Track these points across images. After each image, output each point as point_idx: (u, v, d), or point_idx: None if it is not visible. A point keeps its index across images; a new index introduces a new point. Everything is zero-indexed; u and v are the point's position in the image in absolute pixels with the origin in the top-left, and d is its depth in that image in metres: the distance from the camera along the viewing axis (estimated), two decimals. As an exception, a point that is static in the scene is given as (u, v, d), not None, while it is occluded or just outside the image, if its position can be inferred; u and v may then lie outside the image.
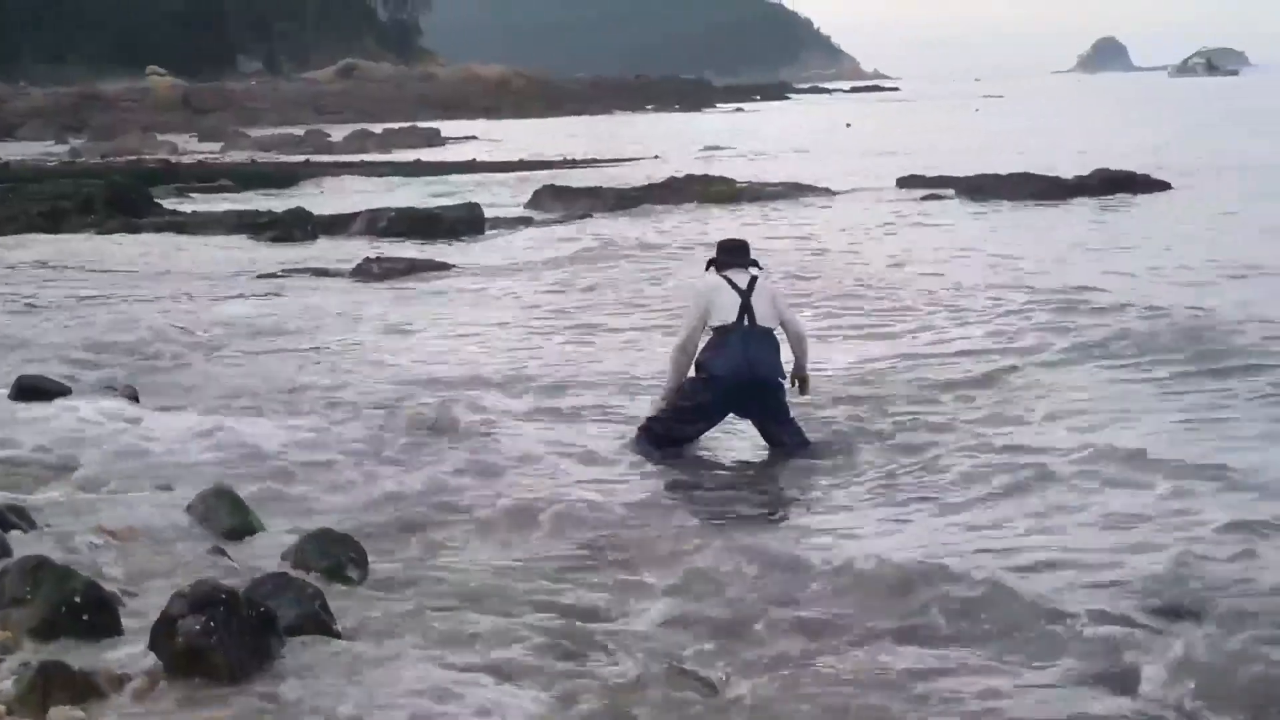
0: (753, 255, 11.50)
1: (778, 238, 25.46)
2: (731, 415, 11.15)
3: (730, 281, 11.02)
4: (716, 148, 56.52)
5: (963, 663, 6.77)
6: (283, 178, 44.12)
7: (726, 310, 10.84)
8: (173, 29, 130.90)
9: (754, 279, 11.10)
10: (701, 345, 10.98)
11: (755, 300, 10.94)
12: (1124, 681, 6.45)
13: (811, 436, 11.07)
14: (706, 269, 11.39)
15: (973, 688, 6.46)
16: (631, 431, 11.27)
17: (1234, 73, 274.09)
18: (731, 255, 11.32)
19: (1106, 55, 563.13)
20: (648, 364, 13.92)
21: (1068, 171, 33.49)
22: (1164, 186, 32.10)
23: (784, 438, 10.96)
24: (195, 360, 15.27)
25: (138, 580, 7.52)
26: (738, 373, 10.70)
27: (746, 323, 10.82)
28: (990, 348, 14.61)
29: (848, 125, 75.43)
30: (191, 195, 38.73)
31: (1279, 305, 16.02)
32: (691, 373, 11.02)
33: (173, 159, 53.14)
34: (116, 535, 8.21)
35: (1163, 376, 12.87)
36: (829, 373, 13.16)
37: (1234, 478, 9.52)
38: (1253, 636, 6.79)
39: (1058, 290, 17.80)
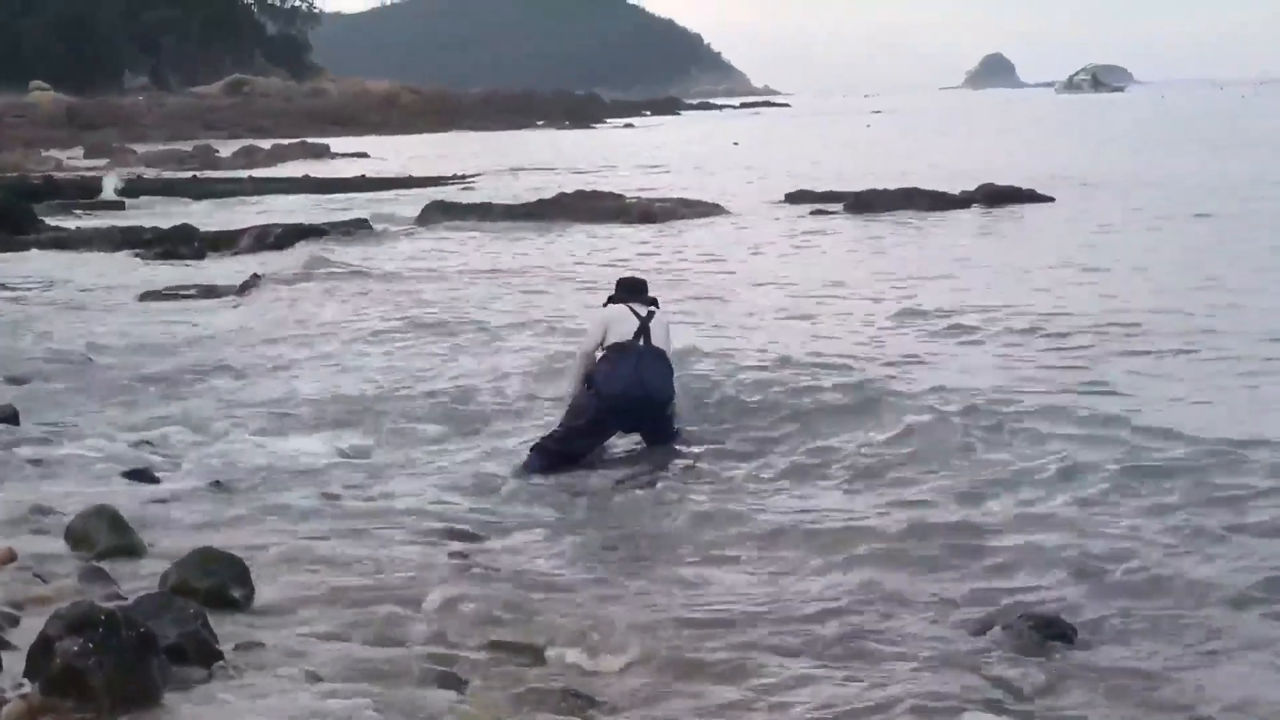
0: (651, 293, 11.97)
1: (674, 257, 25.59)
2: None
3: (631, 309, 11.50)
4: (609, 167, 56.52)
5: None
6: (168, 192, 43.78)
7: (624, 332, 11.30)
8: (55, 43, 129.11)
9: (652, 311, 11.59)
10: (599, 360, 11.31)
11: (653, 325, 11.43)
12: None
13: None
14: (605, 304, 11.82)
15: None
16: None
17: (1120, 89, 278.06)
18: (630, 292, 11.78)
19: (994, 71, 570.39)
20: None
21: (955, 186, 33.83)
22: (1048, 200, 32.58)
23: (664, 440, 11.43)
24: (77, 380, 15.07)
25: (14, 603, 7.42)
26: (629, 390, 11.07)
27: (642, 343, 11.26)
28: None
29: (735, 144, 75.58)
30: (76, 212, 38.26)
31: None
32: (584, 387, 11.32)
33: (57, 175, 52.36)
34: (-8, 558, 8.10)
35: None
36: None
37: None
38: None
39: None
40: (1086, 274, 21.03)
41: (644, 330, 11.34)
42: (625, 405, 11.13)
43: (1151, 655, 7.01)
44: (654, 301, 11.74)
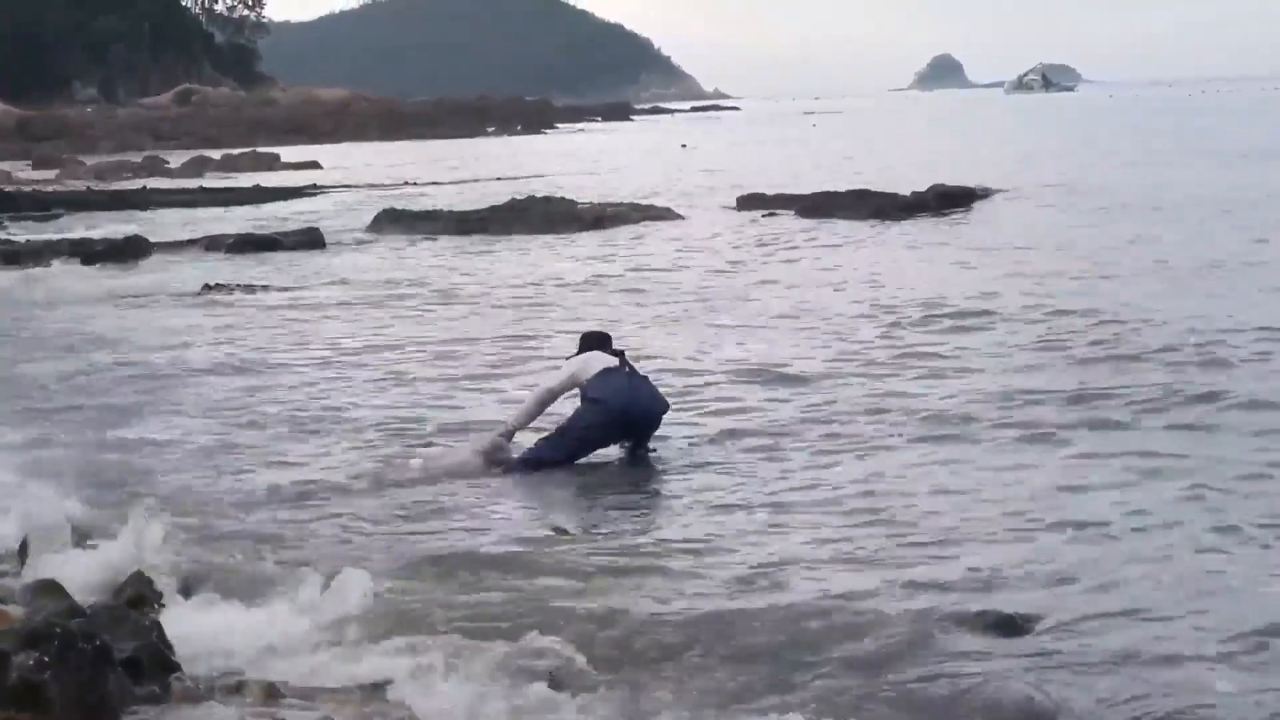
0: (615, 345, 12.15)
1: (623, 265, 25.64)
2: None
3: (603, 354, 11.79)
4: (561, 173, 56.51)
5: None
6: (119, 204, 43.51)
7: (605, 362, 11.59)
8: (1, 55, 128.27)
9: (623, 353, 11.86)
10: (585, 388, 11.51)
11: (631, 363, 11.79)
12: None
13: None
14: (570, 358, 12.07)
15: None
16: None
17: (1070, 88, 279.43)
18: (597, 346, 11.99)
19: (942, 72, 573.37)
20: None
21: (905, 188, 33.97)
22: (984, 197, 32.97)
23: (645, 451, 11.58)
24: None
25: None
26: (628, 402, 11.35)
27: (627, 369, 11.60)
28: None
29: (683, 146, 75.78)
30: (25, 223, 38.06)
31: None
32: (586, 403, 11.48)
33: (5, 187, 52.04)
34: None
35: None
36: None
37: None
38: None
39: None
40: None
41: (624, 362, 11.66)
42: (629, 418, 11.40)
43: None
44: (620, 354, 11.89)
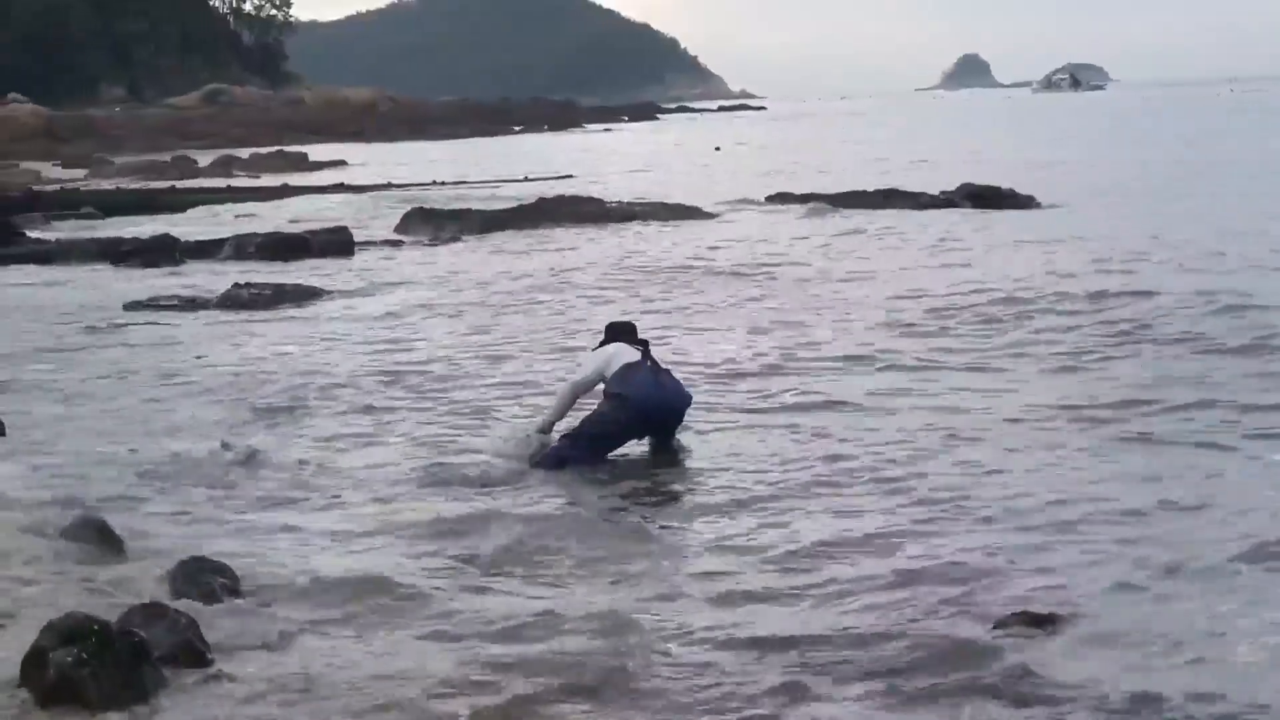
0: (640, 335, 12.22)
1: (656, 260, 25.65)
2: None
3: (628, 345, 11.78)
4: (589, 172, 56.40)
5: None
6: (148, 204, 43.59)
7: (628, 356, 11.56)
8: (28, 56, 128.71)
9: (647, 343, 11.95)
10: (608, 382, 11.48)
11: (654, 354, 11.82)
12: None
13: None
14: (597, 348, 12.09)
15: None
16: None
17: (1100, 88, 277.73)
18: (621, 335, 12.06)
19: (969, 72, 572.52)
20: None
21: (934, 187, 33.90)
22: (1030, 202, 32.55)
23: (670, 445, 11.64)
24: (55, 396, 14.99)
25: (6, 614, 7.41)
26: (650, 396, 11.34)
27: (649, 363, 11.58)
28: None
29: (717, 149, 75.37)
30: (55, 224, 38.13)
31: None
32: (611, 399, 11.45)
33: (35, 187, 52.22)
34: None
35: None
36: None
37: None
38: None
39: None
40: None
41: (648, 354, 11.68)
42: (652, 412, 11.39)
43: None
44: (645, 343, 11.94)
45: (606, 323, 12.76)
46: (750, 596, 8.02)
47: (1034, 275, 20.40)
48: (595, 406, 11.58)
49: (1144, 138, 67.07)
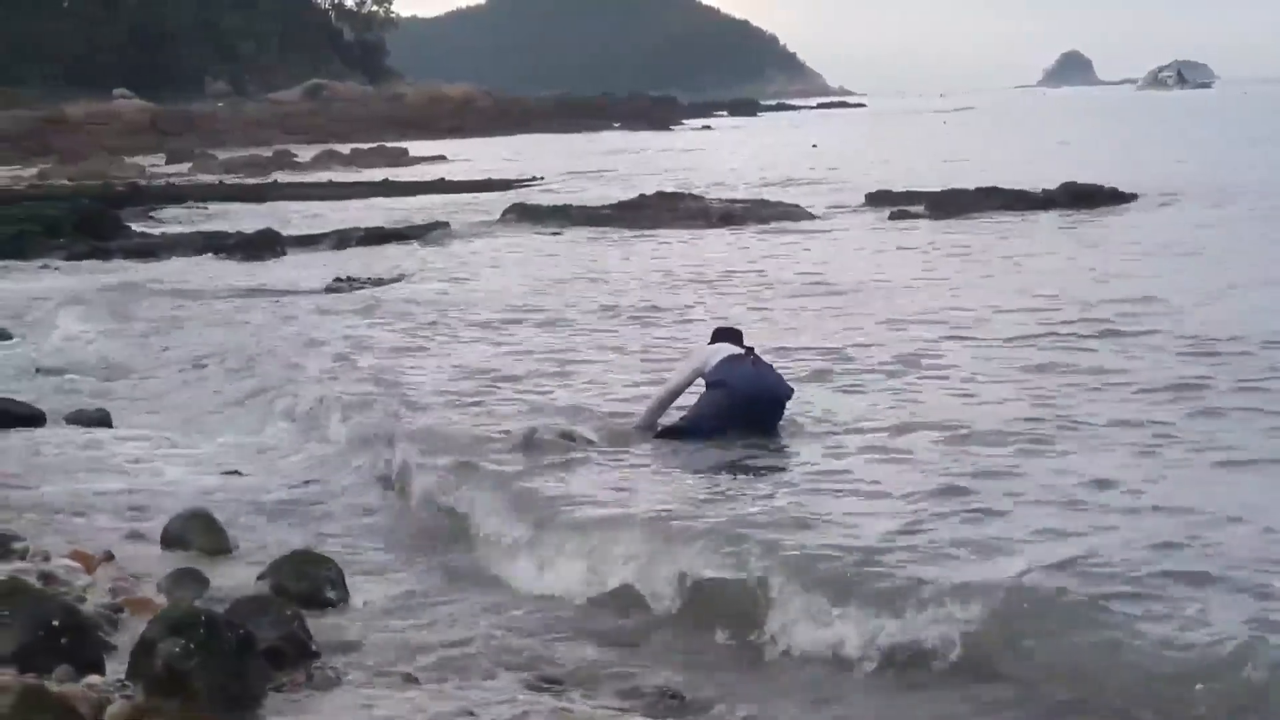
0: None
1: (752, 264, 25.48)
2: None
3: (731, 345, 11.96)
4: (687, 169, 56.24)
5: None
6: (252, 198, 44.13)
7: (730, 351, 11.72)
8: (134, 51, 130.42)
9: (752, 349, 11.94)
10: (708, 375, 11.59)
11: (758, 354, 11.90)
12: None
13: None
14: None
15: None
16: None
17: (1206, 85, 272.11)
18: (727, 339, 12.16)
19: (1071, 69, 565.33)
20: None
21: (1035, 185, 33.46)
22: (1131, 199, 32.10)
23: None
24: (169, 383, 15.16)
25: (112, 605, 7.48)
26: (751, 386, 11.37)
27: (752, 358, 11.65)
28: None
29: (814, 146, 74.77)
30: (158, 218, 38.60)
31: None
32: (713, 392, 11.54)
33: (141, 181, 52.87)
34: (92, 560, 8.16)
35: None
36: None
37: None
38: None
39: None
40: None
41: (749, 350, 11.77)
42: (752, 401, 11.37)
43: None
44: (750, 349, 11.94)
45: (714, 327, 12.84)
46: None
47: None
48: (705, 398, 11.57)
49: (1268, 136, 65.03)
